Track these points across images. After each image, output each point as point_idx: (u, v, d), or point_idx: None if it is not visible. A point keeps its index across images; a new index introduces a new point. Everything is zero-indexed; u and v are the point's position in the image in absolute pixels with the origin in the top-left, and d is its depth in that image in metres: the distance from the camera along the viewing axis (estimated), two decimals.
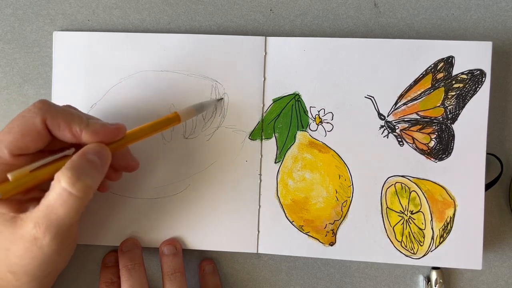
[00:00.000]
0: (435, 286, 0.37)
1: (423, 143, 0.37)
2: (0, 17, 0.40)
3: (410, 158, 0.37)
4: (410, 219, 0.37)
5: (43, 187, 0.29)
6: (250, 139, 0.38)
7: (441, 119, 0.37)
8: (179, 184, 0.38)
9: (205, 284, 0.38)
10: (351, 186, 0.37)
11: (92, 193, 0.29)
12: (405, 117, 0.37)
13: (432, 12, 0.38)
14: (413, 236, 0.37)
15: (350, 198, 0.37)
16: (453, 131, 0.37)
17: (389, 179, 0.37)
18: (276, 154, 0.38)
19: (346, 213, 0.37)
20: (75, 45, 0.38)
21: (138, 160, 0.35)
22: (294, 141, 0.38)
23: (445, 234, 0.36)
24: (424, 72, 0.37)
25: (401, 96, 0.37)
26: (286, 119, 0.38)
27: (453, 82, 0.37)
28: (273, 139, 0.38)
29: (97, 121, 0.32)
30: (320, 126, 0.37)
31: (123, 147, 0.33)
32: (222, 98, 0.38)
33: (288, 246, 0.37)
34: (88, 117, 0.32)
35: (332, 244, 0.37)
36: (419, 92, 0.37)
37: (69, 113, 0.31)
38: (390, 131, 0.37)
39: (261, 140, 0.38)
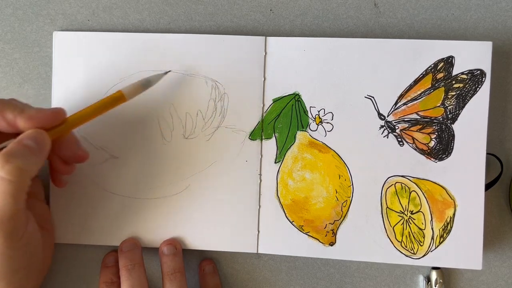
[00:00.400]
0: (435, 286, 0.37)
1: (423, 143, 0.37)
2: (0, 17, 0.40)
3: (410, 158, 0.37)
4: (410, 219, 0.37)
5: None
6: (250, 139, 0.38)
7: (441, 119, 0.37)
8: (179, 184, 0.38)
9: (205, 284, 0.38)
10: (351, 186, 0.37)
11: (28, 177, 0.29)
12: (405, 117, 0.37)
13: (432, 12, 0.38)
14: (413, 236, 0.37)
15: (350, 198, 0.37)
16: (453, 131, 0.37)
17: (389, 179, 0.37)
18: (276, 154, 0.38)
19: (346, 213, 0.37)
20: (75, 45, 0.38)
21: (87, 151, 0.34)
22: (294, 141, 0.38)
23: (445, 234, 0.36)
24: (424, 72, 0.37)
25: (401, 96, 0.37)
26: (286, 119, 0.38)
27: (453, 82, 0.37)
28: (273, 139, 0.38)
29: (33, 108, 0.31)
30: (320, 126, 0.37)
31: (67, 132, 0.32)
32: (169, 71, 0.37)
33: (288, 246, 0.37)
34: (26, 105, 0.31)
35: (332, 244, 0.37)
36: (419, 92, 0.37)
37: (3, 102, 0.30)
38: (390, 131, 0.37)
39: (261, 140, 0.38)
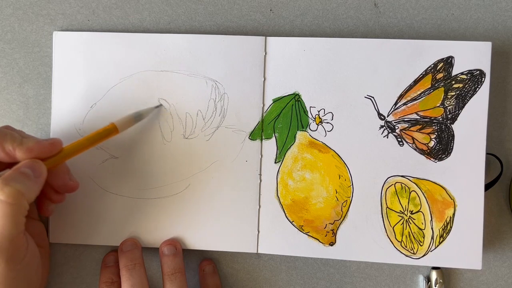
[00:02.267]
0: (435, 286, 0.37)
1: (423, 143, 0.37)
2: (0, 17, 0.40)
3: (410, 158, 0.37)
4: (410, 219, 0.37)
5: None
6: (250, 139, 0.38)
7: (440, 119, 0.37)
8: (179, 184, 0.38)
9: (205, 284, 0.38)
10: (351, 186, 0.37)
11: (26, 201, 0.29)
12: (405, 117, 0.37)
13: (432, 12, 0.38)
14: (413, 236, 0.37)
15: (350, 198, 0.37)
16: (453, 131, 0.37)
17: (389, 179, 0.37)
18: (276, 154, 0.38)
19: (346, 213, 0.37)
20: (75, 45, 0.38)
21: (78, 181, 0.35)
22: (294, 141, 0.38)
23: (445, 234, 0.36)
24: (424, 72, 0.37)
25: (401, 96, 0.37)
26: (286, 119, 0.38)
27: (453, 82, 0.37)
28: (273, 139, 0.38)
29: (31, 138, 0.32)
30: (320, 126, 0.37)
31: (61, 162, 0.33)
32: (160, 105, 0.38)
33: (288, 246, 0.37)
34: (23, 135, 0.32)
35: (332, 244, 0.37)
36: (419, 92, 0.37)
37: (1, 133, 0.31)
38: (390, 131, 0.37)
39: (261, 140, 0.38)
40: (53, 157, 0.32)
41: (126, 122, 0.36)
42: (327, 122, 0.37)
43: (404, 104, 0.37)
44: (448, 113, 0.37)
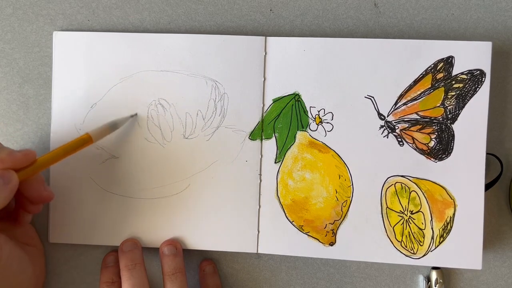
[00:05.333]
0: (435, 286, 0.37)
1: (423, 143, 0.37)
2: (0, 17, 0.40)
3: (410, 158, 0.37)
4: (410, 219, 0.37)
5: None
6: (250, 139, 0.38)
7: (441, 119, 0.37)
8: (179, 184, 0.38)
9: (206, 284, 0.38)
10: (351, 186, 0.37)
11: None
12: (405, 117, 0.37)
13: (432, 12, 0.38)
14: (413, 236, 0.37)
15: (350, 198, 0.37)
16: (453, 131, 0.37)
17: (389, 179, 0.37)
18: (276, 154, 0.38)
19: (346, 213, 0.37)
20: (75, 45, 0.38)
21: (52, 192, 0.35)
22: (294, 141, 0.38)
23: (445, 234, 0.36)
24: (424, 72, 0.37)
25: (401, 96, 0.37)
26: (286, 119, 0.38)
27: (453, 82, 0.37)
28: (273, 139, 0.38)
29: (4, 149, 0.31)
30: (320, 126, 0.37)
31: (35, 173, 0.33)
32: (136, 114, 0.38)
33: (288, 246, 0.37)
34: None
35: (332, 244, 0.37)
36: (419, 92, 0.37)
37: None
38: (390, 131, 0.37)
39: (261, 140, 0.38)
40: (27, 168, 0.32)
41: (101, 132, 0.36)
42: (327, 122, 0.37)
43: (404, 104, 0.37)
44: (448, 113, 0.37)
